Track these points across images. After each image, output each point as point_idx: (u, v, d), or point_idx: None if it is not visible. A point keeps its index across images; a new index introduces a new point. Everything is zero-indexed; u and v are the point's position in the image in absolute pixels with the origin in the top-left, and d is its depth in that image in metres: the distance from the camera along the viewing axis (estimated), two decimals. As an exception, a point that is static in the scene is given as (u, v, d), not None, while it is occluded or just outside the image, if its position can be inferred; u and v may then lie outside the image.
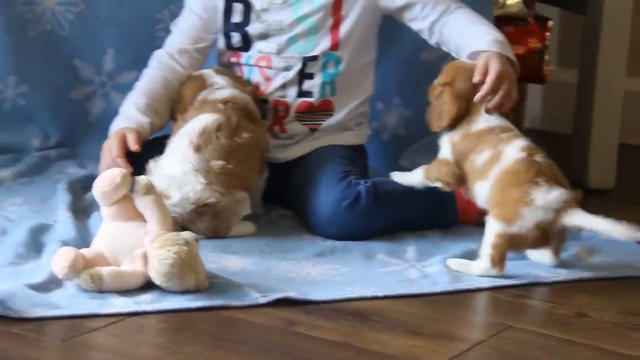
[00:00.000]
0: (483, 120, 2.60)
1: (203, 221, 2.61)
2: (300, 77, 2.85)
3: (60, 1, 3.11)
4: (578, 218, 2.48)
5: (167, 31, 3.02)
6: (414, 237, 2.71)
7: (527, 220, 2.48)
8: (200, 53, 2.92)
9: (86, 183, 2.79)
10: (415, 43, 3.02)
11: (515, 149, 2.55)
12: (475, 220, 2.75)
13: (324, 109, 2.88)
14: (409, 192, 2.69)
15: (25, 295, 2.21)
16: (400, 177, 2.73)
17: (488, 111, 2.61)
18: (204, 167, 2.60)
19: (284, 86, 2.86)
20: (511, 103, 2.64)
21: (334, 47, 2.85)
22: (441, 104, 2.63)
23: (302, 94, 2.86)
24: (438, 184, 2.64)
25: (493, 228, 2.50)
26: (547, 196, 2.48)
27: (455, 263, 2.54)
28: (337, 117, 2.88)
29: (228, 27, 2.89)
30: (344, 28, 2.84)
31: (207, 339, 2.15)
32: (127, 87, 3.10)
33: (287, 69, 2.85)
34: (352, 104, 2.89)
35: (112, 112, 3.01)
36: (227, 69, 2.91)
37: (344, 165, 2.78)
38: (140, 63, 3.04)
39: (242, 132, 2.67)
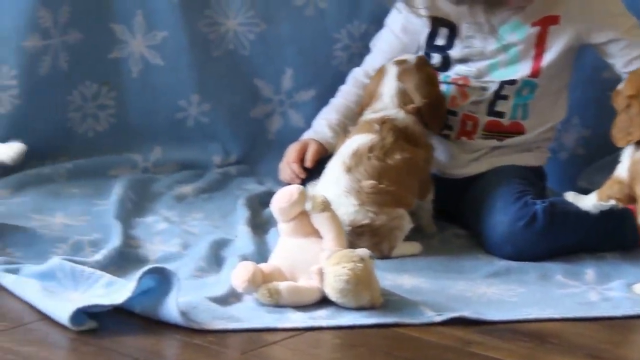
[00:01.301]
0: None
1: (363, 241, 2.61)
2: (495, 98, 2.85)
3: (242, 22, 3.20)
4: None
5: (346, 50, 3.06)
6: (592, 259, 2.66)
7: None
8: None
9: (264, 199, 2.85)
10: (596, 63, 2.97)
11: None
12: (657, 242, 2.68)
13: (514, 130, 2.87)
14: (587, 212, 2.64)
15: (207, 307, 2.27)
16: (574, 198, 2.68)
17: None
18: (355, 187, 2.62)
19: (476, 103, 2.87)
20: None
21: (534, 75, 2.83)
22: (630, 117, 2.53)
23: (493, 113, 2.86)
24: (611, 202, 2.57)
25: None
26: None
27: None
28: (524, 138, 2.87)
29: (430, 49, 2.92)
30: (547, 59, 2.82)
31: (382, 356, 2.15)
32: (304, 106, 3.16)
33: (483, 89, 2.86)
34: (542, 128, 2.86)
35: (289, 130, 3.08)
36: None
37: (520, 185, 2.75)
38: (317, 82, 3.10)
39: (397, 153, 2.66)
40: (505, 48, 2.83)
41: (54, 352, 2.09)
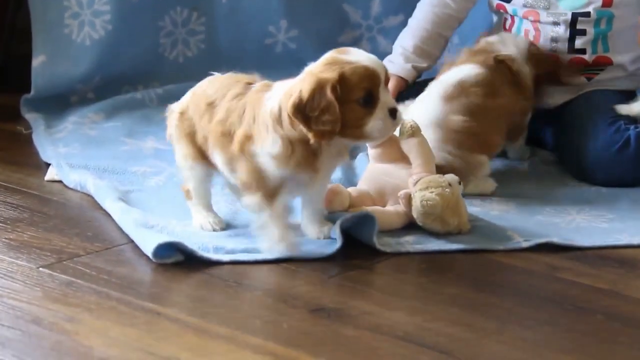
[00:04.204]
0: None
1: None
2: (572, 34, 2.79)
3: (332, -54, 3.19)
4: None
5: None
6: (686, 185, 2.62)
7: None
8: None
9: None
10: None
11: None
12: None
13: (600, 63, 2.81)
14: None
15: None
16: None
17: None
18: (444, 120, 2.54)
19: (555, 40, 2.81)
20: None
21: (607, 3, 2.76)
22: None
23: (574, 50, 2.80)
24: None
25: None
26: None
27: None
28: (615, 69, 2.81)
29: (496, -33, 2.87)
30: None
31: (469, 281, 2.16)
32: (393, 31, 3.14)
33: (555, 24, 2.80)
34: (629, 55, 2.79)
35: (378, 56, 3.01)
36: (498, 17, 2.89)
37: (613, 110, 2.70)
38: (406, 6, 3.07)
39: (500, 96, 2.61)
40: None
41: (145, 274, 2.15)
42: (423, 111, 2.57)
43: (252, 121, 2.17)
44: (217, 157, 2.22)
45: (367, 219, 2.24)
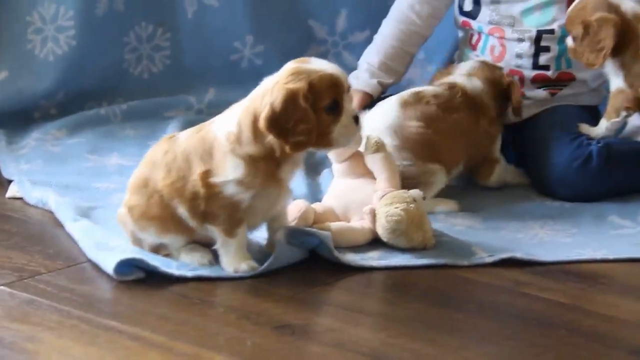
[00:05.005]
0: None
1: None
2: (537, 50, 2.81)
3: (297, -38, 3.19)
4: None
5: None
6: (648, 199, 2.64)
7: None
8: (442, 3, 2.91)
9: (318, 140, 2.85)
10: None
11: None
12: None
13: (563, 79, 2.83)
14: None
15: (260, 248, 2.30)
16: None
17: None
18: (401, 125, 2.54)
19: (520, 56, 2.83)
20: None
21: None
22: (592, 36, 2.58)
23: (538, 66, 2.82)
24: (622, 114, 2.59)
25: None
26: None
27: None
28: (578, 85, 2.83)
29: (463, -14, 2.88)
30: None
31: (433, 296, 2.16)
32: (358, 47, 3.14)
33: (520, 40, 2.81)
34: (591, 72, 2.81)
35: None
36: (464, 33, 2.91)
37: (576, 125, 2.72)
38: (372, 23, 3.07)
39: (457, 112, 2.61)
40: None
41: (108, 292, 2.13)
42: (380, 116, 2.58)
43: (206, 157, 2.16)
44: (180, 208, 2.20)
45: (322, 237, 2.24)
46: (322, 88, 2.11)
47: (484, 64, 2.75)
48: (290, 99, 2.08)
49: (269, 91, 2.12)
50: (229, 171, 2.14)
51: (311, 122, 2.09)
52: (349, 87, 2.17)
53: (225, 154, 2.14)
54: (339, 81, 2.14)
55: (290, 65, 2.15)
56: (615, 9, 2.60)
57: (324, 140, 2.14)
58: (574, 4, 2.67)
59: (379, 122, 2.55)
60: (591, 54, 2.61)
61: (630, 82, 2.60)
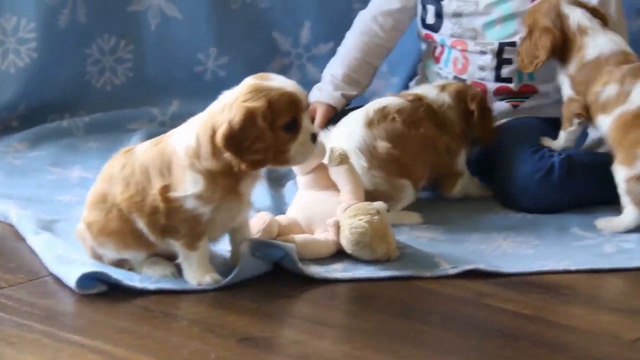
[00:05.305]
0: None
1: None
2: (499, 62, 2.83)
3: (260, -26, 3.20)
4: None
5: (364, 2, 3.04)
6: (609, 210, 2.64)
7: None
8: (405, 16, 2.93)
9: (282, 152, 2.84)
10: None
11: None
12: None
13: (525, 91, 2.85)
14: (605, 164, 2.62)
15: (224, 260, 2.29)
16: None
17: None
18: (369, 146, 2.54)
19: (482, 69, 2.84)
20: None
21: None
22: (534, 41, 2.64)
23: (500, 79, 2.84)
24: (575, 122, 2.63)
25: (619, 176, 2.51)
26: None
27: (602, 222, 2.54)
28: (540, 97, 2.85)
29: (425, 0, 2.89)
30: None
31: (397, 308, 2.16)
32: (322, 59, 3.15)
33: (483, 52, 2.83)
34: (553, 85, 2.83)
35: (307, 84, 3.04)
36: (427, 45, 2.92)
37: (538, 137, 2.73)
38: (336, 35, 3.08)
39: (421, 127, 2.61)
40: (497, 3, 2.80)
41: (70, 305, 2.12)
42: (346, 136, 2.58)
43: (165, 171, 2.15)
44: (139, 222, 2.18)
45: (286, 249, 2.24)
46: (281, 106, 2.11)
47: (464, 83, 2.77)
48: (249, 117, 2.08)
49: (228, 107, 2.11)
50: (189, 186, 2.13)
51: (268, 141, 2.09)
52: (307, 105, 2.17)
53: (185, 168, 2.13)
54: (297, 99, 2.13)
55: (250, 82, 2.15)
56: (562, 19, 2.65)
57: (281, 158, 2.14)
58: (536, 1, 2.71)
59: (346, 143, 2.54)
60: (527, 58, 2.67)
61: (577, 90, 2.64)
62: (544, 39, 2.63)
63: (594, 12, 2.68)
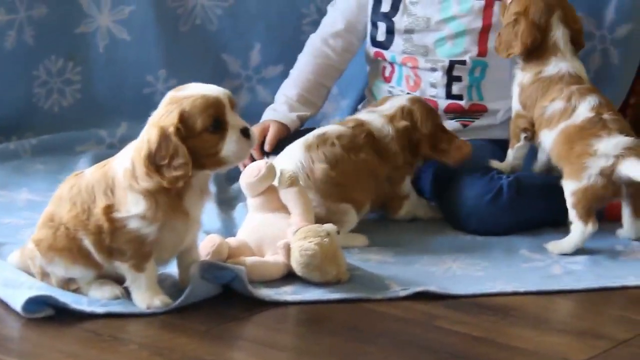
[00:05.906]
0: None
1: None
2: (449, 80, 2.85)
3: (210, -4, 3.19)
4: (632, 167, 2.48)
5: (314, 25, 3.05)
6: (557, 233, 2.67)
7: (593, 169, 2.51)
8: (354, 37, 2.95)
9: (232, 175, 2.84)
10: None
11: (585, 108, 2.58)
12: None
13: (475, 110, 2.87)
14: (553, 186, 2.65)
15: (172, 283, 2.27)
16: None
17: None
18: (307, 168, 2.54)
19: (434, 86, 2.86)
20: None
21: (482, 53, 2.83)
22: (515, 32, 2.66)
23: (451, 96, 2.86)
24: (522, 137, 2.67)
25: (566, 189, 2.54)
26: (608, 144, 2.51)
27: (551, 245, 2.56)
28: (490, 116, 2.88)
29: (376, 16, 2.91)
30: (494, 34, 2.81)
31: (347, 330, 2.16)
32: (272, 81, 3.15)
33: (434, 69, 2.85)
34: (501, 104, 2.86)
35: (257, 106, 3.06)
36: (375, 66, 2.93)
37: (486, 159, 2.75)
38: (286, 57, 3.09)
39: (362, 153, 2.61)
40: (449, 21, 2.83)
41: (15, 330, 2.09)
42: (287, 159, 2.58)
43: (109, 192, 2.15)
44: (85, 240, 2.17)
45: (236, 271, 2.23)
46: (196, 112, 2.12)
47: (411, 110, 2.71)
48: (162, 136, 2.10)
49: (149, 126, 2.13)
50: (131, 206, 2.13)
51: (185, 157, 2.10)
52: (233, 103, 2.17)
53: (125, 189, 2.14)
54: (215, 100, 2.14)
55: (168, 95, 2.17)
56: (548, 27, 2.67)
57: (215, 160, 2.15)
58: None
59: (287, 166, 2.53)
60: (504, 44, 2.69)
61: (524, 102, 2.67)
62: (525, 34, 2.65)
63: (576, 35, 2.70)
